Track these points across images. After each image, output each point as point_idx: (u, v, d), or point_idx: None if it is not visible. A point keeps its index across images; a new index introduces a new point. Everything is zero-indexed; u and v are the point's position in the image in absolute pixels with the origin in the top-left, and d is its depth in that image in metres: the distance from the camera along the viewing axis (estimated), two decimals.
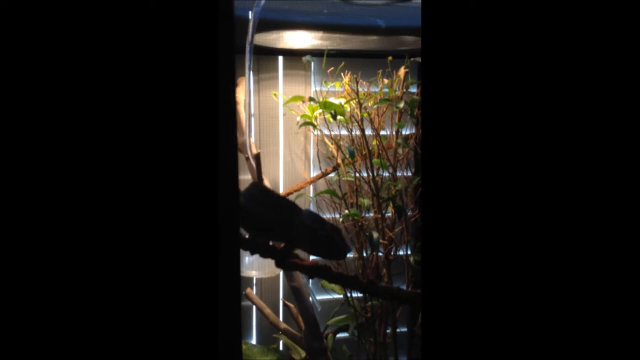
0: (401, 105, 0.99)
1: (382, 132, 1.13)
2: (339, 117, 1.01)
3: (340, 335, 1.21)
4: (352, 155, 0.99)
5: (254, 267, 1.11)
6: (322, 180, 1.21)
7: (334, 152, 1.13)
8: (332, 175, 1.18)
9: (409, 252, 1.14)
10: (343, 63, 1.05)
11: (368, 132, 1.10)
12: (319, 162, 1.17)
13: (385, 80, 1.13)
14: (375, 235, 0.97)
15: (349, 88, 1.07)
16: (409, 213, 1.14)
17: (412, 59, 1.14)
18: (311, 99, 1.00)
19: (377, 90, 1.12)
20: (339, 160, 1.12)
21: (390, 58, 1.13)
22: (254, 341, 1.25)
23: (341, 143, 1.05)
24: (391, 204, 1.08)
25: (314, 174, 1.25)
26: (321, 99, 0.99)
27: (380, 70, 1.14)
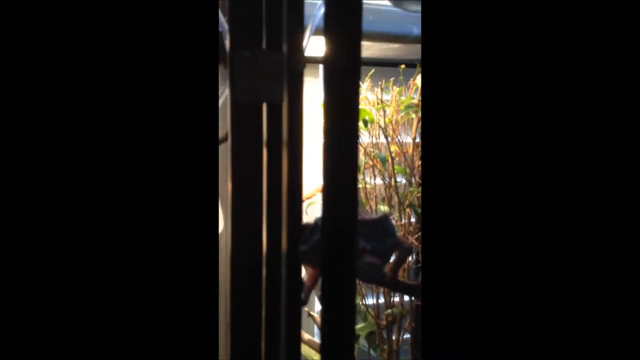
0: None
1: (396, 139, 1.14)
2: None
3: None
4: (383, 161, 0.99)
5: None
6: None
7: None
8: None
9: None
10: (373, 70, 1.05)
11: (384, 139, 1.11)
12: None
13: (396, 89, 1.14)
14: (409, 238, 0.98)
15: (366, 97, 1.08)
16: None
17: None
18: None
19: (388, 97, 1.13)
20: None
21: (402, 66, 1.15)
22: None
23: (370, 150, 1.05)
24: (409, 210, 1.09)
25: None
26: None
27: (392, 78, 1.15)
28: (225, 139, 0.71)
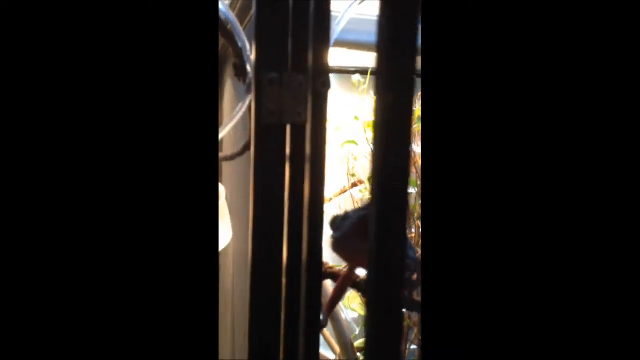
0: None
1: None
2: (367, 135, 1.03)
3: None
4: None
5: None
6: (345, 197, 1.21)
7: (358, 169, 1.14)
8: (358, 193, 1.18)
9: None
10: None
11: None
12: (349, 178, 1.17)
13: None
14: (418, 252, 0.98)
15: None
16: None
17: None
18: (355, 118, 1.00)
19: None
20: (365, 179, 1.13)
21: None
22: None
23: None
24: (419, 222, 1.10)
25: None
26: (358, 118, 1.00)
27: None
28: (241, 153, 0.72)
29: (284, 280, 0.49)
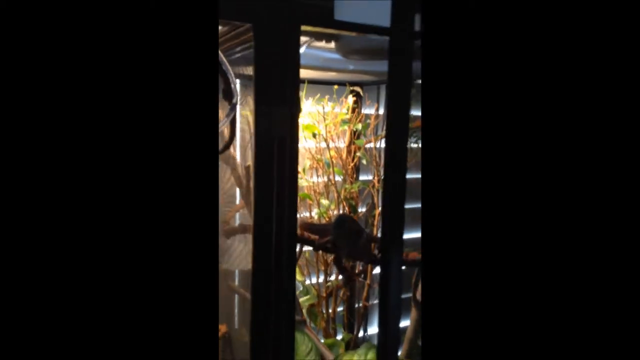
0: (359, 126, 1.27)
1: (333, 145, 1.40)
2: (305, 134, 1.26)
3: None
4: (328, 165, 1.24)
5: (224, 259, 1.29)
6: None
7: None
8: None
9: None
10: (319, 95, 1.29)
11: (324, 144, 1.36)
12: None
13: (332, 104, 1.40)
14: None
15: (310, 111, 1.32)
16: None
17: (351, 87, 1.43)
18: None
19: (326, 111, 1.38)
20: (300, 169, 1.37)
21: (336, 87, 1.41)
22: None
23: (315, 154, 1.30)
24: (344, 203, 1.36)
25: None
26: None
27: (328, 96, 1.40)
28: (221, 152, 0.92)
29: (273, 244, 0.72)
